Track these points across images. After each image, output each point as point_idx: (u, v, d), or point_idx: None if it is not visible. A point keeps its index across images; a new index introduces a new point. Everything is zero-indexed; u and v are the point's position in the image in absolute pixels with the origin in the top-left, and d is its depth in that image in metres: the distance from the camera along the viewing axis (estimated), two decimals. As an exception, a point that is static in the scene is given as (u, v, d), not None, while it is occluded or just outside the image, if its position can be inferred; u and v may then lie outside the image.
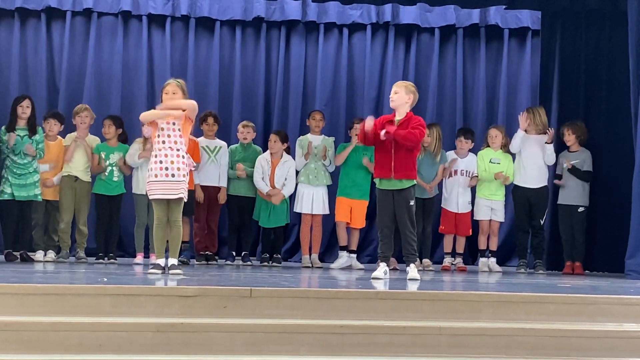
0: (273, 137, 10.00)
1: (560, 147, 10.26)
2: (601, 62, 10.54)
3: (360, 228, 10.08)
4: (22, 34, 11.38)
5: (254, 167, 9.88)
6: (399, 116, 7.54)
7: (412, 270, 7.40)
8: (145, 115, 7.46)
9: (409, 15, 11.80)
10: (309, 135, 10.17)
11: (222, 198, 9.90)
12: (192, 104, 7.46)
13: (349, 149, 9.87)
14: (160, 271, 7.18)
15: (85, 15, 11.51)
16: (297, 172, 10.01)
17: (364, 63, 11.87)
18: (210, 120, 9.98)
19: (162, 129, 7.26)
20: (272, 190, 9.75)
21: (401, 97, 7.51)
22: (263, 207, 9.86)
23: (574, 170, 9.98)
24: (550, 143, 9.99)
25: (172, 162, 7.21)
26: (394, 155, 7.44)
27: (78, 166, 9.57)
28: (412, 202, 7.51)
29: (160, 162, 7.22)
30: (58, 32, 11.48)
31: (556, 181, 10.11)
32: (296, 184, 9.99)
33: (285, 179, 9.85)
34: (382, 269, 7.44)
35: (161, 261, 7.29)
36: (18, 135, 9.18)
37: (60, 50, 11.44)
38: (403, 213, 7.46)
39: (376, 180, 7.64)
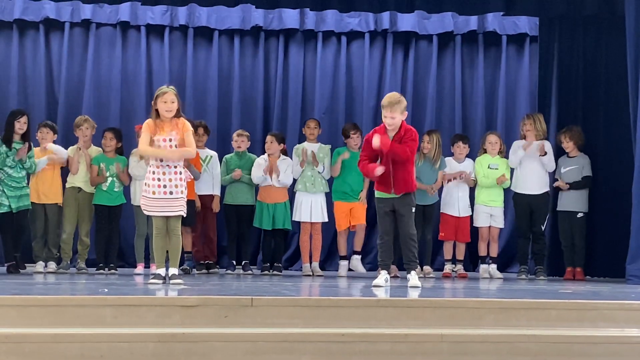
0: (269, 139, 10.03)
1: (557, 152, 10.26)
2: (599, 67, 10.56)
3: (362, 224, 10.03)
4: (21, 46, 11.40)
5: (249, 175, 9.92)
6: (393, 131, 7.46)
7: (413, 278, 7.39)
8: (145, 152, 7.37)
9: (407, 22, 11.81)
10: (305, 143, 10.19)
11: (215, 206, 9.93)
12: (193, 154, 7.52)
13: (340, 160, 9.84)
14: (160, 281, 7.18)
15: (83, 26, 11.53)
16: (295, 180, 10.02)
17: (363, 71, 11.89)
18: (201, 130, 9.96)
19: (159, 147, 7.22)
20: (267, 169, 9.75)
21: (398, 121, 7.41)
22: (265, 212, 9.86)
23: (572, 186, 9.98)
24: (544, 155, 9.97)
25: (170, 180, 7.19)
26: (392, 172, 7.43)
27: (80, 177, 9.57)
28: (413, 209, 7.52)
29: (159, 179, 7.20)
30: (57, 43, 11.51)
31: (557, 183, 10.08)
32: (294, 192, 10.01)
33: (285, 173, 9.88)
34: (382, 276, 7.43)
35: (161, 271, 7.28)
36: (15, 148, 9.17)
37: (59, 61, 11.47)
38: (404, 219, 7.45)
39: (376, 192, 7.63)
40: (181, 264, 8.86)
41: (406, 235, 7.46)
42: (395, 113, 7.40)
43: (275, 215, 9.84)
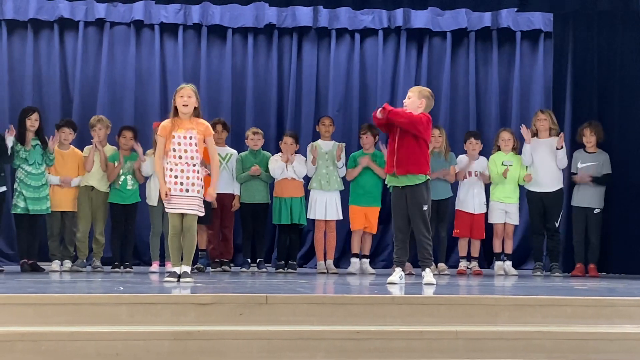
0: (289, 140, 10.02)
1: (572, 146, 10.22)
2: (614, 63, 10.50)
3: (372, 234, 10.09)
4: (36, 45, 11.45)
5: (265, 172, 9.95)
6: None
7: (428, 275, 7.38)
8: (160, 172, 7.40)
9: (420, 19, 11.79)
10: (319, 141, 10.19)
11: (236, 205, 9.95)
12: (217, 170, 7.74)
13: (359, 169, 9.88)
14: (175, 279, 7.20)
15: (97, 25, 11.57)
16: (309, 178, 10.04)
17: (376, 68, 11.87)
18: (219, 127, 9.97)
19: (179, 144, 7.24)
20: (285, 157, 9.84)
21: (413, 102, 7.47)
22: (283, 207, 9.87)
23: (596, 180, 9.90)
24: (561, 148, 9.92)
25: (187, 178, 7.22)
26: (397, 150, 7.41)
27: (94, 176, 9.60)
28: (425, 207, 7.48)
29: (176, 177, 7.23)
30: (71, 43, 11.55)
31: (575, 177, 10.01)
32: (308, 190, 10.03)
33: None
34: (397, 273, 7.42)
35: (177, 269, 7.30)
36: (33, 145, 9.23)
37: (73, 61, 11.51)
38: (417, 217, 7.44)
39: (387, 178, 7.63)
40: (195, 262, 8.91)
41: (420, 234, 7.45)
42: (412, 93, 7.51)
43: (292, 209, 9.86)
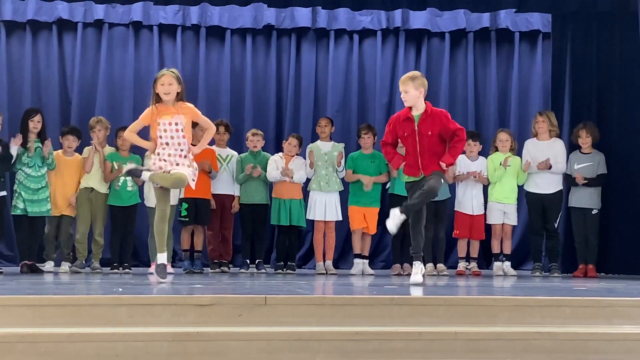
0: (293, 142, 10.03)
1: (569, 147, 10.22)
2: (613, 64, 10.51)
3: (372, 234, 10.10)
4: (34, 46, 11.46)
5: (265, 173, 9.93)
6: (416, 111, 7.34)
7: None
8: (131, 139, 7.54)
9: (419, 20, 11.81)
10: (318, 142, 10.19)
11: (236, 206, 9.94)
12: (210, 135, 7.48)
13: (355, 177, 9.92)
14: (165, 275, 7.19)
15: (96, 26, 11.59)
16: (309, 180, 10.04)
17: (375, 69, 11.89)
18: (221, 129, 9.97)
19: (165, 131, 7.08)
20: (284, 171, 9.78)
21: (412, 95, 7.29)
22: (282, 208, 9.87)
23: (590, 182, 9.90)
24: (549, 168, 9.88)
25: (176, 164, 7.08)
26: (420, 155, 7.31)
27: (93, 177, 9.60)
28: (442, 181, 7.37)
29: (164, 160, 7.10)
30: (69, 44, 11.56)
31: (577, 176, 9.98)
32: (307, 192, 10.03)
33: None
34: (418, 268, 7.26)
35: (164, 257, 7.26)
36: (39, 147, 9.23)
37: (72, 62, 11.52)
38: (431, 181, 7.19)
39: (405, 177, 7.52)
40: (193, 263, 8.96)
41: (427, 191, 7.17)
42: (407, 87, 7.29)
43: (291, 211, 9.86)
